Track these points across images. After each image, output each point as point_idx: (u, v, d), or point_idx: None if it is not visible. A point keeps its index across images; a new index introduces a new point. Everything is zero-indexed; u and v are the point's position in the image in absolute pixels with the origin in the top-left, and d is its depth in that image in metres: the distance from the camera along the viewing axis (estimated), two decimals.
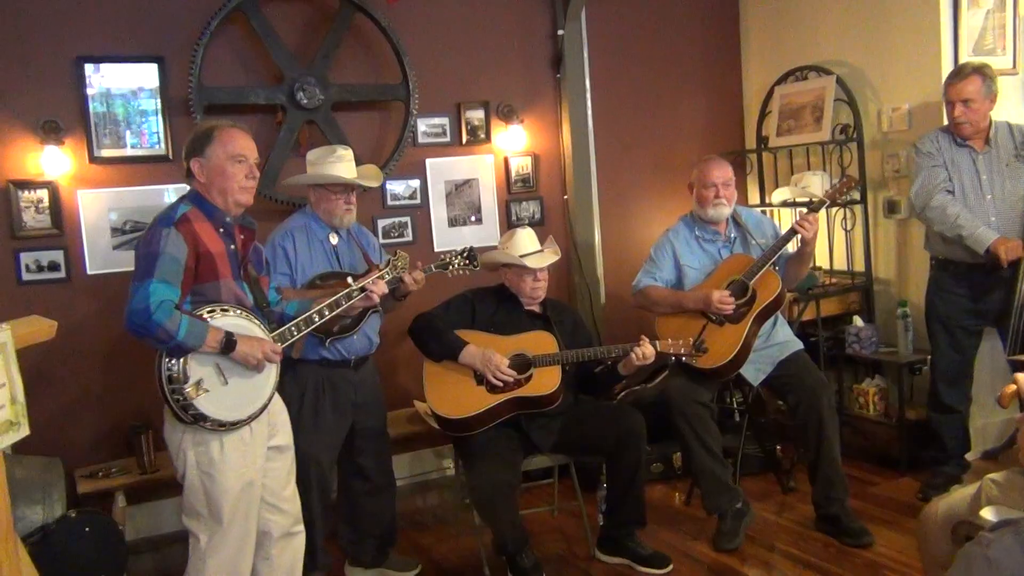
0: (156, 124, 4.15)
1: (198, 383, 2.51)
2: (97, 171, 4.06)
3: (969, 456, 4.08)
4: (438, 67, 4.65)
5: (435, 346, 3.44)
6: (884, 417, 4.40)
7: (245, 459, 2.64)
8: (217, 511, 2.61)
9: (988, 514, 2.19)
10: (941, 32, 4.27)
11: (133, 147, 4.12)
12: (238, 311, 2.63)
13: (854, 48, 4.72)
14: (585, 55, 4.99)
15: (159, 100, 4.13)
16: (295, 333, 2.79)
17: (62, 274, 4.00)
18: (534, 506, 4.10)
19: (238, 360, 2.57)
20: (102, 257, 4.07)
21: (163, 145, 4.15)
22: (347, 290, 2.97)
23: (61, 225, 3.99)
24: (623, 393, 4.47)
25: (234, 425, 2.59)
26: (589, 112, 5.01)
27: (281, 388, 2.89)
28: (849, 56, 4.75)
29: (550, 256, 3.58)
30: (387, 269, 3.16)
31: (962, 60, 4.19)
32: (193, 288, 2.58)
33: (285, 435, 2.88)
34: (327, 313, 2.88)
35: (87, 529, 3.47)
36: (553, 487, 4.13)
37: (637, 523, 3.55)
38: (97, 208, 4.06)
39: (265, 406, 2.69)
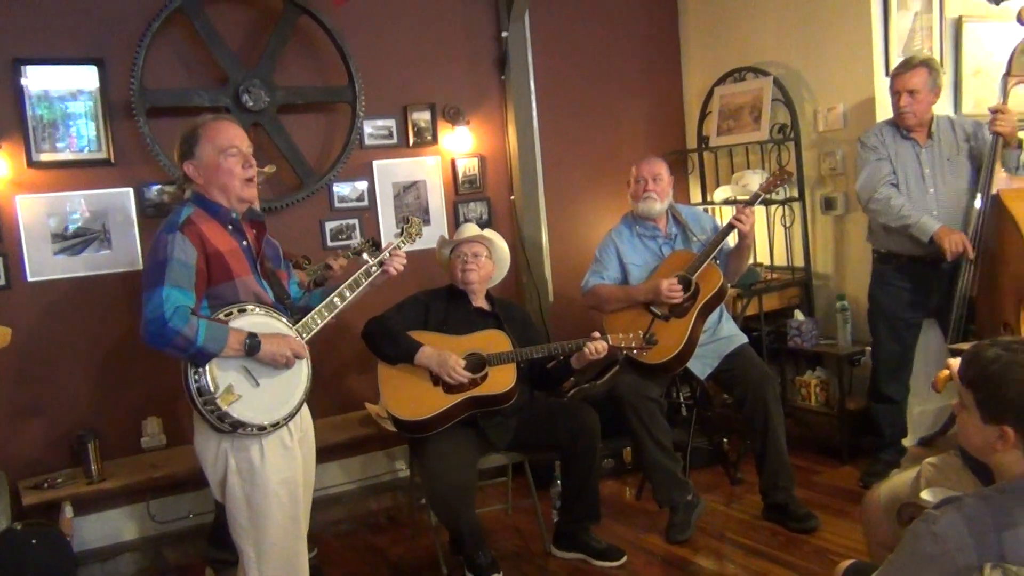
0: (97, 127, 4.06)
1: (229, 389, 2.41)
2: (36, 176, 3.96)
3: (906, 442, 4.23)
4: (384, 69, 4.65)
5: (390, 349, 3.44)
6: (825, 407, 4.54)
7: (287, 461, 2.56)
8: (261, 519, 2.51)
9: (927, 495, 2.28)
10: (873, 34, 4.42)
11: (73, 151, 4.03)
12: (258, 309, 2.52)
13: (790, 50, 4.86)
14: (529, 57, 5.04)
15: (99, 103, 4.05)
16: (319, 321, 2.67)
17: (2, 281, 3.90)
18: (488, 505, 4.13)
19: (266, 361, 2.47)
20: (43, 263, 3.97)
21: (104, 149, 4.07)
22: (365, 267, 2.85)
23: (0, 232, 3.90)
24: (572, 391, 4.52)
25: (275, 426, 2.51)
26: (534, 113, 5.06)
27: None
28: (785, 58, 4.88)
29: (475, 230, 3.69)
30: (403, 238, 3.02)
31: (893, 60, 4.34)
32: (208, 291, 2.46)
33: (309, 443, 2.76)
34: (348, 295, 2.76)
35: (34, 541, 3.41)
36: (507, 485, 4.17)
37: (591, 518, 3.61)
38: (36, 213, 3.96)
39: (301, 404, 2.60)
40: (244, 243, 2.59)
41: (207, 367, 2.39)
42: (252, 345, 2.43)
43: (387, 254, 2.91)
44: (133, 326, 4.04)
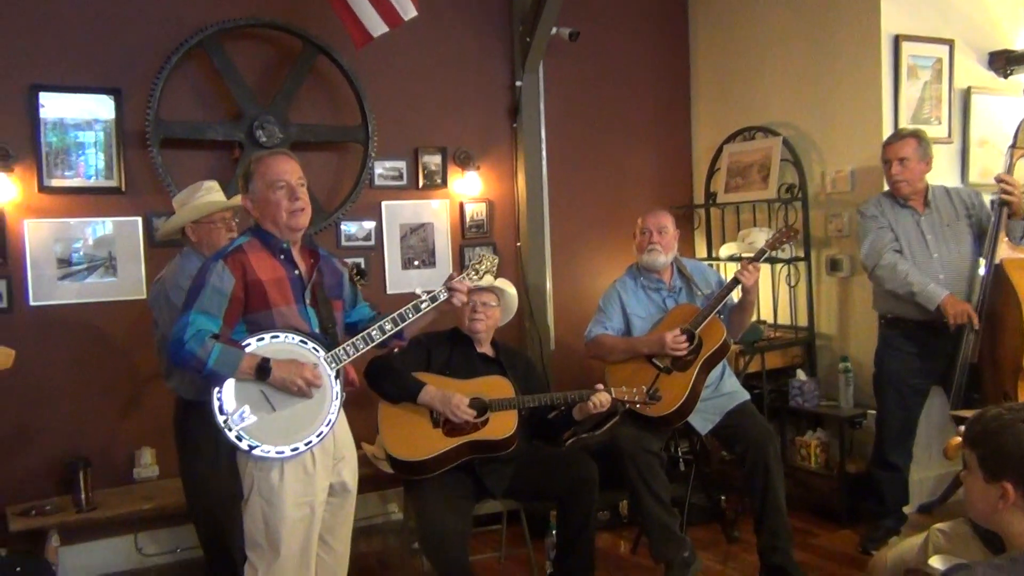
0: (107, 157, 4.09)
1: (234, 412, 2.52)
2: (46, 200, 3.98)
3: (907, 509, 4.18)
4: (397, 112, 4.70)
5: (392, 388, 3.42)
6: (825, 469, 4.50)
7: (305, 488, 2.61)
8: (275, 540, 2.59)
9: (936, 563, 2.26)
10: (882, 101, 4.46)
11: (85, 178, 4.05)
12: (291, 336, 2.60)
13: (800, 112, 4.91)
14: (541, 107, 5.09)
15: (114, 132, 4.08)
16: (351, 352, 2.71)
17: (3, 304, 3.90)
18: (482, 552, 4.07)
19: (277, 386, 2.55)
20: (46, 288, 3.98)
21: (115, 177, 4.10)
22: (413, 302, 2.84)
23: (5, 254, 3.90)
24: (571, 440, 4.48)
25: (293, 451, 2.57)
26: (544, 162, 5.10)
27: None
28: (795, 119, 4.93)
29: (487, 279, 3.57)
30: (467, 272, 2.97)
31: (901, 128, 4.39)
32: (245, 317, 2.59)
33: (351, 474, 2.82)
34: (388, 328, 2.77)
35: (18, 569, 3.34)
36: (501, 533, 4.11)
37: (586, 571, 3.53)
38: (43, 238, 3.98)
39: (324, 434, 2.63)
40: (295, 272, 2.69)
41: (224, 388, 2.51)
42: (263, 370, 2.52)
43: (443, 290, 2.89)
44: (133, 354, 4.07)
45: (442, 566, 3.31)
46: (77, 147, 4.05)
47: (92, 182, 4.07)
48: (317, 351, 2.64)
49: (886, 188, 4.10)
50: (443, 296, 2.88)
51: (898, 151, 3.93)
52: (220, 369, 2.49)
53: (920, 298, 3.78)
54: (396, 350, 3.00)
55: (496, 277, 3.71)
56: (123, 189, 4.11)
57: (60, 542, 3.73)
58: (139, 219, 4.14)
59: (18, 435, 3.93)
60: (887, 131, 4.44)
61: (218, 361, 2.48)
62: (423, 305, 2.84)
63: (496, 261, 3.07)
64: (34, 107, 3.94)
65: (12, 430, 3.92)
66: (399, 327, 2.81)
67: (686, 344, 3.66)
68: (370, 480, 4.29)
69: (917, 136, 3.96)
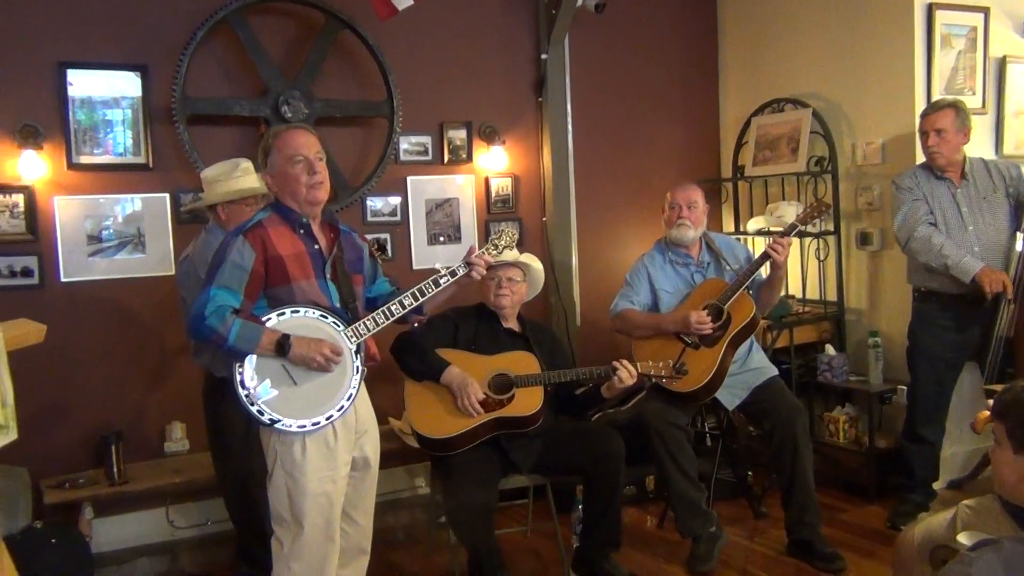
0: (137, 133, 4.10)
1: (256, 386, 2.55)
2: (75, 177, 4.01)
3: (936, 485, 4.14)
4: (422, 86, 4.67)
5: (417, 366, 3.43)
6: (854, 445, 4.47)
7: (327, 463, 2.63)
8: (299, 514, 2.61)
9: (964, 539, 2.23)
10: (915, 71, 4.38)
11: (113, 155, 4.08)
12: (311, 312, 2.61)
13: (830, 83, 4.83)
14: (567, 80, 5.04)
15: (141, 108, 4.09)
16: (371, 327, 2.70)
17: (35, 280, 3.94)
18: (508, 526, 4.09)
19: (296, 362, 2.57)
20: (77, 264, 4.01)
21: (143, 154, 4.12)
22: (432, 277, 2.82)
23: (36, 231, 3.93)
24: (597, 415, 4.48)
25: (315, 426, 2.59)
26: (570, 136, 5.05)
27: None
28: (825, 90, 4.85)
29: (507, 254, 3.46)
30: (488, 247, 2.96)
31: (935, 98, 4.31)
32: (266, 292, 2.61)
33: (373, 448, 2.84)
34: (408, 303, 2.76)
35: (53, 540, 3.42)
36: (527, 507, 4.13)
37: (613, 545, 3.55)
38: (73, 215, 4.01)
39: (345, 408, 2.64)
40: (315, 247, 2.69)
41: (245, 363, 2.54)
42: (283, 345, 2.54)
43: (462, 264, 2.88)
44: (163, 330, 4.12)
45: (468, 540, 3.34)
46: (105, 124, 4.07)
47: (120, 159, 4.09)
48: (337, 326, 2.65)
49: (920, 160, 4.04)
50: (462, 271, 2.87)
51: (935, 122, 3.86)
52: (240, 345, 2.51)
53: (955, 271, 3.72)
54: (416, 325, 3.00)
55: (520, 251, 3.70)
56: (151, 166, 4.13)
57: (93, 514, 3.79)
58: (167, 195, 4.16)
59: (51, 409, 3.98)
60: (920, 102, 4.36)
61: (239, 336, 2.50)
62: (442, 280, 2.84)
63: (515, 235, 3.06)
64: (62, 85, 3.96)
65: (45, 404, 3.97)
66: (419, 302, 2.80)
67: (711, 324, 3.64)
68: (397, 454, 4.33)
69: (955, 107, 3.87)
